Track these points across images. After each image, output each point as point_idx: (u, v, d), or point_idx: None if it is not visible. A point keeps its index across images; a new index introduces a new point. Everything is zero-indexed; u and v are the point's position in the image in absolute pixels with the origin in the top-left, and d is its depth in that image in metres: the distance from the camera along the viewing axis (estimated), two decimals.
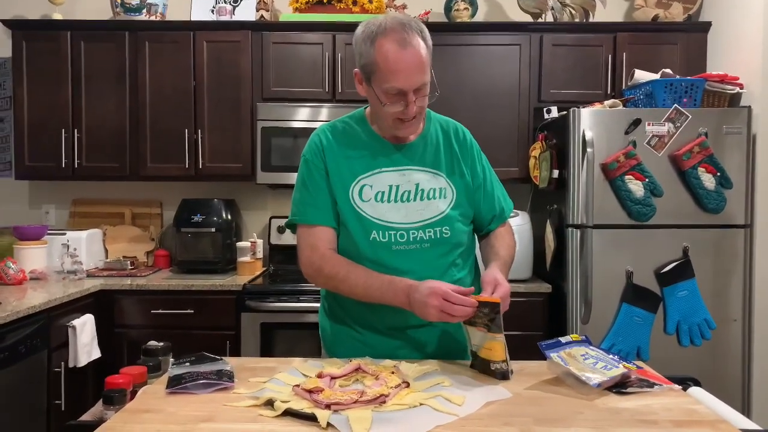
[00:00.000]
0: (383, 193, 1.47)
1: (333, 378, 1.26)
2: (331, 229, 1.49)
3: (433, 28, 3.25)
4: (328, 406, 1.10)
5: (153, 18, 3.36)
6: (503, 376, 1.32)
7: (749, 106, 2.76)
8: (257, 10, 3.36)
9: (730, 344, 2.75)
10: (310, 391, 1.15)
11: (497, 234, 1.61)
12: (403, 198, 1.47)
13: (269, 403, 1.14)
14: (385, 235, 1.46)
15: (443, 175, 1.52)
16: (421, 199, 1.48)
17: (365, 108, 1.57)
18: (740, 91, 2.84)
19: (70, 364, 2.62)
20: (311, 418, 1.07)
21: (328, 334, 1.60)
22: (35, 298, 2.51)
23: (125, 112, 3.28)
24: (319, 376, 1.26)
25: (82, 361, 2.65)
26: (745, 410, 2.74)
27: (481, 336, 1.33)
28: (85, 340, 2.68)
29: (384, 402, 1.13)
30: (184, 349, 1.47)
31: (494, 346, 1.32)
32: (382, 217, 1.46)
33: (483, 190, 1.58)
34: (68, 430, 1.10)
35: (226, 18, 3.34)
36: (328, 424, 1.05)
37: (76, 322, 2.64)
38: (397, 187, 1.48)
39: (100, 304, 2.91)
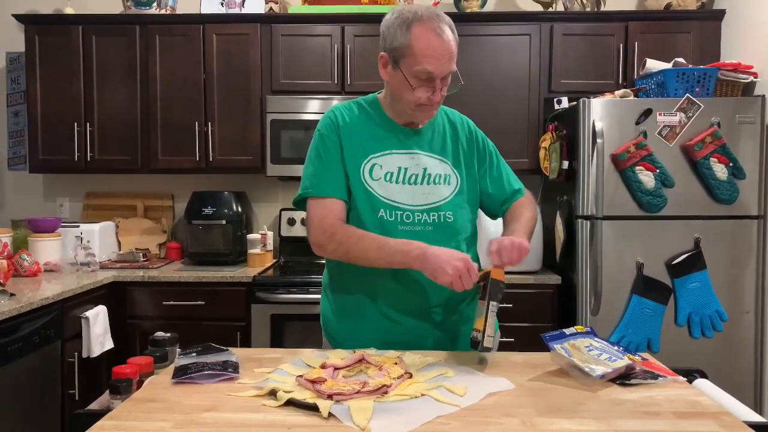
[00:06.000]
0: (392, 173, 1.51)
1: (336, 369, 1.27)
2: (343, 202, 1.51)
3: None
4: (330, 397, 1.11)
5: (163, 11, 3.38)
6: (475, 345, 1.32)
7: (763, 95, 2.71)
8: (266, 3, 3.36)
9: (743, 336, 2.73)
10: (312, 382, 1.16)
11: (515, 206, 1.62)
12: (410, 180, 1.51)
13: (272, 393, 1.15)
14: (392, 214, 1.49)
15: (449, 162, 1.57)
16: (428, 183, 1.52)
17: (378, 93, 1.62)
18: (754, 80, 2.80)
19: (84, 355, 2.66)
20: (313, 408, 1.08)
21: (331, 322, 1.62)
22: (49, 290, 2.54)
23: (136, 105, 3.31)
24: (323, 366, 1.27)
25: (96, 351, 2.69)
26: (757, 403, 2.72)
27: (479, 306, 1.36)
28: (98, 331, 2.72)
29: (386, 392, 1.14)
30: (195, 340, 1.49)
31: (480, 314, 1.35)
32: (390, 196, 1.50)
33: (489, 175, 1.63)
34: (76, 419, 1.12)
35: (235, 11, 3.35)
36: (330, 414, 1.06)
37: (89, 313, 2.68)
38: (406, 169, 1.52)
39: (112, 295, 2.95)
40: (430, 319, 1.52)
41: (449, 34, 1.43)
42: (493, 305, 1.33)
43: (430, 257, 1.35)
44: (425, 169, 1.52)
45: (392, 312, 1.51)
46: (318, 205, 1.50)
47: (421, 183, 1.51)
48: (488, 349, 1.32)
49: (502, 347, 1.67)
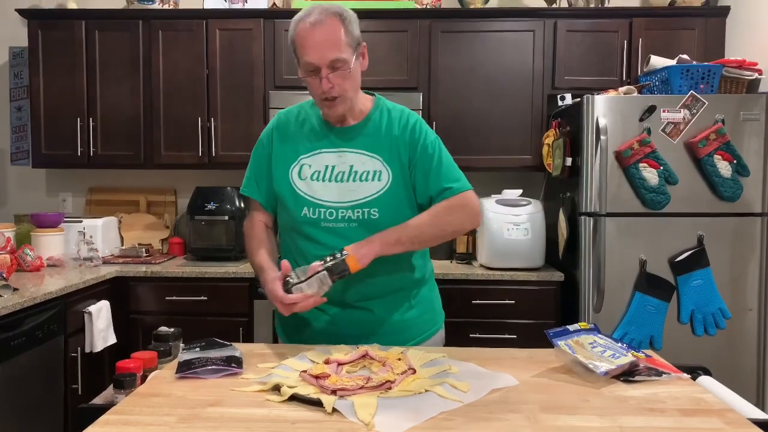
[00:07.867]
0: (319, 172, 1.55)
1: (340, 364, 1.27)
2: (261, 204, 1.64)
3: (446, 14, 3.28)
4: (334, 392, 1.11)
5: (166, 6, 3.37)
6: (287, 284, 1.38)
7: None
8: None
9: (745, 334, 2.72)
10: (316, 377, 1.16)
11: (430, 208, 1.54)
12: (337, 178, 1.54)
13: (276, 389, 1.15)
14: (315, 212, 1.53)
15: (380, 158, 1.54)
16: (354, 180, 1.53)
17: None
18: (759, 77, 2.79)
19: (87, 350, 2.66)
20: (317, 404, 1.08)
21: (278, 315, 1.63)
22: (52, 285, 2.55)
23: (139, 100, 3.31)
24: (327, 362, 1.27)
25: (98, 346, 2.70)
26: (760, 400, 2.72)
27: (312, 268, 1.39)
28: (101, 326, 2.72)
29: (390, 388, 1.14)
30: (197, 335, 1.50)
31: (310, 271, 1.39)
32: (314, 194, 1.54)
33: (420, 170, 1.54)
34: (80, 413, 1.12)
35: (238, 6, 3.35)
36: (334, 410, 1.06)
37: (92, 308, 2.68)
38: (333, 167, 1.55)
39: (115, 290, 2.95)
40: (377, 310, 1.54)
41: (332, 23, 1.44)
42: (325, 275, 1.37)
43: (268, 293, 1.44)
44: (351, 167, 1.54)
45: (337, 303, 1.52)
46: (248, 201, 1.69)
47: (347, 180, 1.53)
48: (290, 292, 1.37)
49: (505, 343, 1.67)
